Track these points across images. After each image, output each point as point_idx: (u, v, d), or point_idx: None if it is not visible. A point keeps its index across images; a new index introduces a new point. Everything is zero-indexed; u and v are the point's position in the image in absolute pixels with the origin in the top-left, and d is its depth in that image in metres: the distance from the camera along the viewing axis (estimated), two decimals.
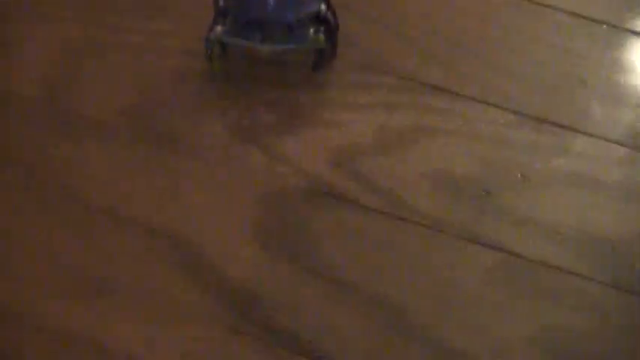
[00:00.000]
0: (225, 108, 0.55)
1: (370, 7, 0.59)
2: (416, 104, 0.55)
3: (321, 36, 0.53)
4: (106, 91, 0.55)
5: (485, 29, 0.59)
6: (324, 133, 0.54)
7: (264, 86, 0.56)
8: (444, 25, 0.59)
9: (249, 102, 0.55)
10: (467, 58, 0.58)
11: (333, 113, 0.55)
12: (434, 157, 0.54)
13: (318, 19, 0.53)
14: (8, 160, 0.52)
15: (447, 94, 0.56)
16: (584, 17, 0.60)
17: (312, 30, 0.53)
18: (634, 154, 0.55)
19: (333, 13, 0.54)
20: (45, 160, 0.52)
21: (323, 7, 0.53)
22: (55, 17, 0.58)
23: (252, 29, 0.52)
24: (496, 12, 0.60)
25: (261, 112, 0.55)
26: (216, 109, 0.55)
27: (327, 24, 0.53)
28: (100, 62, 0.56)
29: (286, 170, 0.53)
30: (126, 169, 0.52)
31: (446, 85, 0.56)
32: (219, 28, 0.53)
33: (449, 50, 0.58)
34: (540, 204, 0.52)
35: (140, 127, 0.54)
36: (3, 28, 0.58)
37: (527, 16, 0.60)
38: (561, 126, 0.56)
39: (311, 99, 0.56)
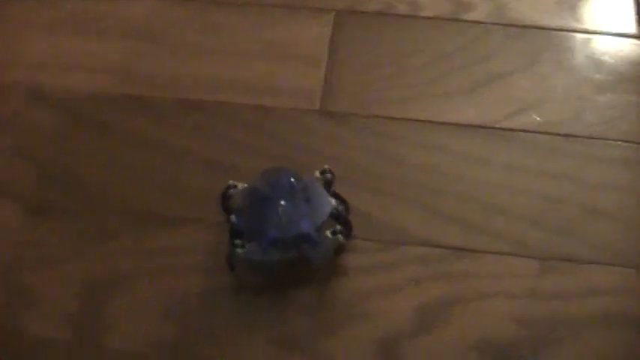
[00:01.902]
0: (259, 322, 0.55)
1: (376, 177, 0.60)
2: (443, 272, 0.56)
3: (340, 235, 0.53)
4: (134, 323, 0.55)
5: (488, 173, 0.60)
6: (363, 326, 0.54)
7: (289, 290, 0.56)
8: (446, 182, 0.60)
9: (283, 310, 0.55)
10: (482, 211, 0.58)
11: (364, 302, 0.55)
12: (474, 326, 0.54)
13: (332, 216, 0.54)
14: None
15: (472, 254, 0.56)
16: (585, 137, 0.62)
17: (328, 231, 0.53)
18: None
19: (343, 202, 0.55)
20: None
21: (334, 203, 0.54)
22: (61, 259, 0.58)
23: (271, 247, 0.53)
24: (502, 150, 0.61)
25: (296, 317, 0.55)
26: (251, 326, 0.54)
27: (342, 217, 0.54)
28: (121, 298, 0.56)
29: None
30: None
31: (469, 246, 0.57)
32: (239, 251, 0.53)
33: (459, 206, 0.59)
34: (584, 352, 0.53)
35: (180, 358, 0.53)
36: (19, 277, 0.57)
37: (527, 149, 0.61)
38: (583, 261, 0.57)
39: (341, 290, 0.56)
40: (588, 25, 0.70)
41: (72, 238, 0.58)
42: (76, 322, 0.55)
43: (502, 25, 0.69)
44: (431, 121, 0.64)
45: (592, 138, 0.62)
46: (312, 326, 0.55)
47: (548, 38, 0.68)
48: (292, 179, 0.54)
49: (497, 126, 0.63)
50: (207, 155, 0.62)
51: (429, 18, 0.70)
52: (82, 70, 0.67)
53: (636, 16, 0.70)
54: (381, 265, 0.57)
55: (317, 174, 0.56)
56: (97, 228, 0.59)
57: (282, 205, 0.53)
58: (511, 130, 0.63)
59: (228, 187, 0.56)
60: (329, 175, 0.56)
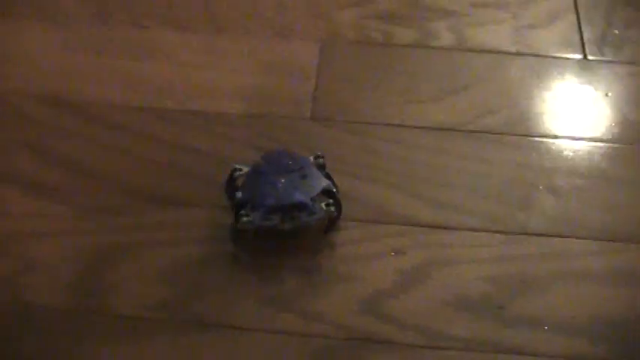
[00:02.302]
0: (254, 284, 0.61)
1: (360, 167, 0.68)
2: (420, 244, 0.63)
3: (332, 208, 0.61)
4: (136, 290, 0.60)
5: (465, 166, 0.69)
6: (348, 287, 0.61)
7: (284, 257, 0.63)
8: (427, 169, 0.68)
9: (275, 273, 0.62)
10: (454, 193, 0.67)
11: (351, 267, 0.62)
12: (448, 285, 0.61)
13: (324, 193, 0.62)
14: None
15: (445, 230, 0.64)
16: (534, 136, 0.71)
17: (323, 204, 0.61)
18: (606, 245, 0.64)
19: (334, 184, 0.63)
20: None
21: (327, 182, 0.62)
22: (72, 230, 0.64)
23: (272, 214, 0.60)
24: (468, 146, 0.70)
25: (287, 280, 0.61)
26: (247, 287, 0.61)
27: (333, 195, 0.62)
28: (124, 265, 0.62)
29: (324, 327, 0.59)
30: (177, 358, 0.57)
31: (443, 223, 0.65)
32: (244, 219, 0.60)
33: (438, 191, 0.67)
34: (546, 305, 0.60)
35: (176, 319, 0.59)
36: (27, 247, 0.63)
37: (494, 148, 0.70)
38: (544, 234, 0.65)
39: (328, 259, 0.63)
40: (536, 49, 0.81)
41: (76, 214, 0.65)
42: (78, 290, 0.60)
43: (462, 50, 0.80)
44: (405, 125, 0.73)
45: (536, 136, 0.72)
46: (301, 288, 0.61)
47: (501, 59, 0.79)
48: (290, 159, 0.62)
49: (463, 128, 0.72)
50: (208, 150, 0.70)
51: (400, 45, 0.80)
52: (94, 81, 0.76)
53: (580, 42, 0.81)
54: (365, 239, 0.64)
55: (311, 159, 0.64)
56: (101, 205, 0.65)
57: (281, 180, 0.61)
58: (475, 131, 0.72)
59: (234, 170, 0.64)
60: (321, 160, 0.64)
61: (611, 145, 0.72)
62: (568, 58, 0.80)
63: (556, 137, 0.72)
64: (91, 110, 0.73)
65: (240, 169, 0.63)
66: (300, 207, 0.60)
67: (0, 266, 0.61)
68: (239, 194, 0.61)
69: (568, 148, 0.71)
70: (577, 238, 0.64)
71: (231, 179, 0.63)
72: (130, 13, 0.83)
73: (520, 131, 0.72)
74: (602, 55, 0.80)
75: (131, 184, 0.67)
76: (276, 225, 0.60)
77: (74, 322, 0.58)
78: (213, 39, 0.80)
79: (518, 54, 0.80)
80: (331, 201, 0.61)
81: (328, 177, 0.63)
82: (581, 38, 0.81)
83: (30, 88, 0.75)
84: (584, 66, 0.79)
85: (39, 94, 0.74)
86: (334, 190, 0.62)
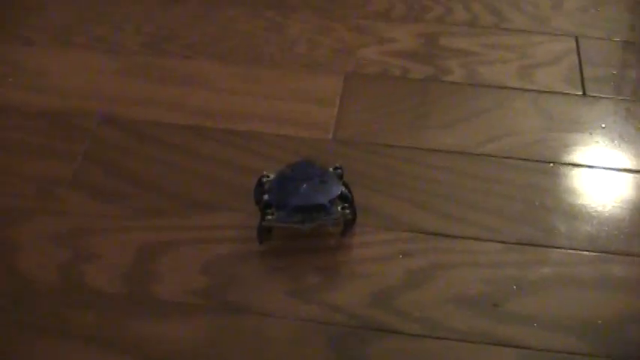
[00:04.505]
0: (281, 278, 0.70)
1: (376, 182, 0.77)
2: (427, 249, 0.72)
3: (347, 211, 0.70)
4: (178, 279, 0.70)
5: (470, 183, 0.78)
6: (361, 283, 0.69)
7: (307, 255, 0.71)
8: (435, 185, 0.77)
9: (299, 270, 0.70)
10: (459, 207, 0.75)
11: (365, 266, 0.71)
12: (450, 285, 0.69)
13: (341, 198, 0.71)
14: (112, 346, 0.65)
15: (449, 238, 0.73)
16: (533, 161, 0.80)
17: (339, 207, 0.70)
18: (597, 256, 0.72)
19: (350, 191, 0.72)
20: (132, 338, 0.65)
21: (343, 188, 0.71)
22: (120, 229, 0.73)
23: (294, 213, 0.69)
24: (474, 167, 0.79)
25: (309, 276, 0.70)
26: (275, 280, 0.70)
27: (348, 199, 0.71)
28: (168, 258, 0.71)
29: (340, 317, 0.67)
30: (208, 338, 0.65)
31: (447, 232, 0.73)
32: (269, 217, 0.69)
33: (445, 204, 0.76)
34: (536, 305, 0.68)
35: (213, 305, 0.68)
36: (88, 241, 0.73)
37: (496, 169, 0.79)
38: (538, 245, 0.73)
39: (345, 259, 0.71)
40: (539, 85, 0.90)
41: (129, 215, 0.74)
42: (129, 277, 0.70)
43: (472, 84, 0.89)
44: (417, 147, 0.82)
45: (535, 161, 0.80)
46: (321, 283, 0.70)
47: (506, 94, 0.88)
48: (311, 168, 0.71)
49: (470, 151, 0.81)
50: (241, 163, 0.79)
51: (416, 79, 0.90)
52: (144, 103, 0.86)
53: (580, 80, 0.90)
54: (377, 243, 0.73)
55: (331, 169, 0.73)
56: (150, 208, 0.75)
57: (303, 185, 0.70)
58: (480, 154, 0.81)
59: (262, 176, 0.73)
60: (339, 171, 0.73)
61: (602, 170, 0.80)
62: (568, 94, 0.89)
63: (553, 162, 0.80)
64: (140, 128, 0.83)
65: (268, 176, 0.72)
66: (319, 208, 0.69)
67: (65, 255, 0.71)
68: (266, 196, 0.70)
69: (563, 172, 0.80)
70: (570, 249, 0.72)
71: (259, 184, 0.72)
72: (178, 45, 0.94)
73: (521, 156, 0.81)
74: (600, 92, 0.89)
75: (175, 191, 0.77)
76: (298, 224, 0.69)
77: (125, 304, 0.68)
78: (250, 69, 0.91)
79: (522, 89, 0.89)
80: (347, 205, 0.70)
81: (345, 185, 0.72)
82: (582, 77, 0.90)
83: (89, 107, 0.86)
84: (583, 101, 0.88)
85: (96, 113, 0.85)
86: (350, 195, 0.71)
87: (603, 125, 0.85)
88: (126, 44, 0.94)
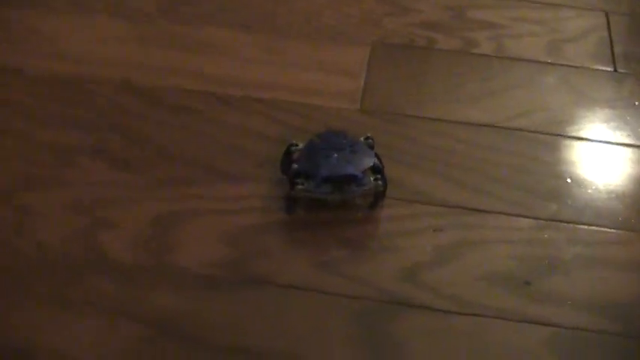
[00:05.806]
0: (306, 250, 0.68)
1: (404, 154, 0.76)
2: (457, 224, 0.70)
3: (379, 182, 0.68)
4: (201, 249, 0.68)
5: (500, 158, 0.76)
6: (390, 257, 0.68)
7: (333, 227, 0.70)
8: (464, 159, 0.75)
9: (326, 242, 0.69)
10: (489, 182, 0.73)
11: (394, 240, 0.69)
12: (481, 262, 0.68)
13: (372, 169, 0.69)
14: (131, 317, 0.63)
15: (480, 213, 0.71)
16: (564, 136, 0.78)
17: (371, 178, 0.68)
18: (630, 235, 0.70)
19: (381, 162, 0.70)
20: (151, 309, 0.63)
21: (375, 160, 0.69)
22: (140, 198, 0.72)
23: (324, 184, 0.67)
24: (504, 142, 0.77)
25: (336, 248, 0.68)
26: (300, 252, 0.68)
27: (380, 170, 0.69)
28: (191, 228, 0.69)
29: (368, 290, 0.65)
30: (229, 311, 0.64)
31: (478, 206, 0.71)
32: (299, 187, 0.67)
33: (475, 178, 0.74)
34: (569, 285, 0.66)
35: (236, 276, 0.66)
36: (108, 210, 0.71)
37: (527, 145, 0.77)
38: (570, 222, 0.71)
39: (374, 232, 0.70)
40: (569, 61, 0.87)
41: (149, 184, 0.72)
42: (149, 247, 0.67)
43: (500, 57, 0.87)
44: (445, 120, 0.80)
45: (567, 137, 0.78)
46: (349, 256, 0.68)
47: (536, 68, 0.86)
48: (342, 138, 0.69)
49: (499, 125, 0.79)
50: (268, 133, 0.77)
51: (443, 50, 0.88)
52: (164, 70, 0.84)
53: (611, 56, 0.88)
54: (407, 216, 0.71)
55: (362, 139, 0.71)
56: (172, 177, 0.73)
57: (334, 155, 0.68)
58: (509, 128, 0.79)
59: (290, 145, 0.71)
60: (370, 141, 0.71)
61: (634, 149, 0.78)
62: (599, 70, 0.87)
63: (586, 139, 0.79)
64: (160, 95, 0.81)
65: (297, 145, 0.70)
66: (351, 179, 0.67)
67: (85, 224, 0.69)
68: (295, 166, 0.68)
69: (595, 150, 0.78)
70: (601, 227, 0.71)
71: (288, 153, 0.70)
72: (198, 12, 0.91)
73: (552, 131, 0.79)
74: (631, 69, 0.87)
75: (198, 160, 0.75)
76: (327, 195, 0.67)
77: (145, 274, 0.66)
78: (273, 39, 0.88)
79: (552, 64, 0.87)
80: (379, 176, 0.68)
81: (376, 155, 0.70)
82: (612, 53, 0.88)
83: (108, 74, 0.83)
84: (614, 77, 0.86)
85: (113, 80, 0.83)
86: (381, 166, 0.69)
87: (636, 103, 0.83)
88: (144, 10, 0.92)
